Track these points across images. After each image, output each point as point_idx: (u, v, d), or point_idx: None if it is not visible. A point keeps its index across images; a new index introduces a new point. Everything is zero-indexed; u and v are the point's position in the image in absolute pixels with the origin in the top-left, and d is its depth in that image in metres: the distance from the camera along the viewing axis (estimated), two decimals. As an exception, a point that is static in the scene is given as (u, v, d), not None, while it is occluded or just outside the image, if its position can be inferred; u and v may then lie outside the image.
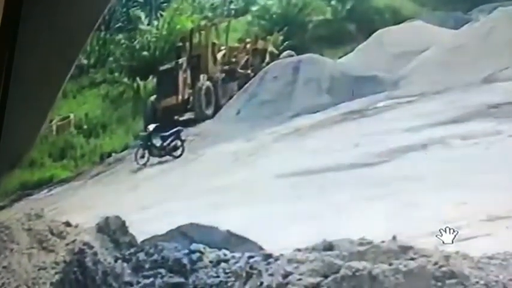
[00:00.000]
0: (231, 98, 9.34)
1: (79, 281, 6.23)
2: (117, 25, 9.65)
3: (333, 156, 7.27)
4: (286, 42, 9.51)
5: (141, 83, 9.54)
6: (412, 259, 5.43)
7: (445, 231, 5.61)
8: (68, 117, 8.98)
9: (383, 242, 5.65)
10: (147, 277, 6.12)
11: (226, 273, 5.99)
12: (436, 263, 5.36)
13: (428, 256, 5.44)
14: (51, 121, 8.54)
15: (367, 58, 8.83)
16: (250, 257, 5.96)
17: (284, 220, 6.49)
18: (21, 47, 7.53)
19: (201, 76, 9.49)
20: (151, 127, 8.85)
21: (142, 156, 8.64)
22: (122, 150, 9.07)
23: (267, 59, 9.56)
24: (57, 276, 6.20)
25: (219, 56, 9.65)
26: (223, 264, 6.04)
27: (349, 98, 8.28)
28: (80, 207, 7.63)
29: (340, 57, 9.26)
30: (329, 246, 5.73)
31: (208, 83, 9.43)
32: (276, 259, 5.80)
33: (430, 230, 5.73)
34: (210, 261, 6.08)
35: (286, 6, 9.55)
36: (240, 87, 9.44)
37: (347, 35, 9.19)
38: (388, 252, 5.53)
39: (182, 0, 9.94)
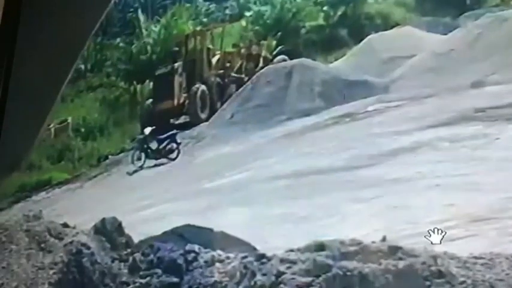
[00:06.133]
0: (225, 102, 9.47)
1: (77, 281, 6.30)
2: (114, 30, 9.78)
3: (325, 158, 7.39)
4: (280, 47, 9.65)
5: (138, 87, 9.67)
6: (401, 259, 5.52)
7: (433, 232, 5.69)
8: (66, 120, 9.10)
9: (373, 242, 5.74)
10: (143, 277, 6.19)
11: (220, 273, 6.06)
12: (424, 263, 5.45)
13: (417, 256, 5.52)
14: (49, 124, 8.64)
15: (358, 63, 8.97)
16: (244, 258, 6.03)
17: (277, 221, 6.59)
18: (20, 52, 7.62)
19: (196, 80, 9.61)
20: (147, 130, 8.95)
21: (139, 159, 8.75)
22: (119, 153, 9.19)
23: (261, 63, 9.70)
24: (55, 276, 6.26)
25: (214, 60, 9.77)
26: (217, 265, 6.11)
27: (341, 102, 8.42)
28: (77, 209, 7.73)
29: (332, 62, 9.41)
30: (321, 247, 5.81)
31: (203, 87, 9.55)
32: (269, 259, 5.87)
33: (419, 230, 5.82)
34: (205, 262, 6.14)
35: (280, 12, 9.68)
36: (234, 92, 9.57)
37: (339, 40, 9.34)
38: (377, 253, 5.61)
39: (179, 6, 10.06)
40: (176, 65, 9.56)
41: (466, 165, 6.61)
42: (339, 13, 9.29)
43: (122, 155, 9.11)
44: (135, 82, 9.70)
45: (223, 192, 7.31)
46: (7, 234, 6.78)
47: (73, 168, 8.87)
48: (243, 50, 9.92)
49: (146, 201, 7.58)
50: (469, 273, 5.42)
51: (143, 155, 8.76)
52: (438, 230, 5.75)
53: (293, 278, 5.60)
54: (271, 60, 9.67)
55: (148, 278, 6.15)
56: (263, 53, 9.79)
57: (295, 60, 9.19)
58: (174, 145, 8.82)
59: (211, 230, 6.39)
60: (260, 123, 8.62)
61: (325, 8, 9.52)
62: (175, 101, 9.51)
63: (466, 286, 5.33)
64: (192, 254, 6.21)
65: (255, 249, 6.12)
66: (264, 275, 5.68)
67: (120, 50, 9.88)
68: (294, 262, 5.71)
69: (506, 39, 8.13)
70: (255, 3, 9.97)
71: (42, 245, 6.62)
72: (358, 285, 5.43)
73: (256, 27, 9.93)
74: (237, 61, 9.83)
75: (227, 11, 10.08)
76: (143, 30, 9.98)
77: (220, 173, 7.78)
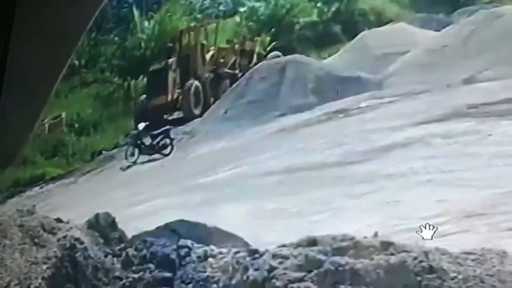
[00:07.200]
0: (219, 97, 9.52)
1: (70, 276, 6.29)
2: (109, 26, 9.80)
3: (318, 154, 7.41)
4: (273, 43, 9.70)
5: (132, 83, 9.70)
6: (393, 254, 5.51)
7: (425, 228, 5.70)
8: (60, 116, 9.12)
9: (365, 237, 5.73)
10: (136, 272, 6.18)
11: (213, 268, 6.06)
12: (415, 258, 5.43)
13: (409, 251, 5.51)
14: (43, 120, 8.65)
15: (351, 59, 9.01)
16: (236, 253, 6.02)
17: (270, 216, 6.60)
18: (15, 48, 7.60)
19: (190, 76, 9.65)
20: (141, 126, 8.98)
21: (132, 154, 8.77)
22: (113, 148, 9.22)
23: (255, 59, 9.75)
24: (48, 271, 6.24)
25: (208, 56, 9.81)
26: (210, 260, 6.10)
27: (334, 98, 8.47)
28: (71, 204, 7.73)
29: (325, 58, 9.47)
30: (313, 242, 5.81)
31: (197, 82, 9.59)
32: (262, 254, 5.86)
33: (411, 226, 5.83)
34: (198, 257, 6.13)
35: (274, 8, 9.74)
36: (227, 87, 9.62)
37: (332, 36, 9.40)
38: (369, 248, 5.61)
39: (173, 1, 10.10)
40: (170, 60, 9.60)
41: (458, 161, 6.62)
42: (333, 9, 9.33)
43: (115, 150, 9.13)
44: (129, 78, 9.72)
45: (217, 188, 7.32)
46: (1, 229, 6.76)
47: (67, 163, 8.90)
48: (236, 46, 9.96)
49: (139, 196, 7.59)
50: (460, 269, 5.40)
51: (137, 150, 8.78)
52: (430, 225, 5.75)
53: (285, 273, 5.59)
54: (265, 56, 9.72)
55: (141, 273, 6.14)
56: (257, 49, 9.84)
57: (288, 56, 9.24)
58: (168, 140, 8.84)
59: (204, 225, 6.39)
60: (254, 119, 8.65)
61: (319, 4, 9.56)
62: (169, 97, 9.54)
63: (457, 281, 5.32)
64: (185, 249, 6.20)
65: (247, 244, 6.12)
66: (256, 270, 5.67)
67: (114, 46, 9.90)
68: (286, 257, 5.69)
69: (499, 35, 8.17)
70: (249, -1, 10.01)
71: (36, 240, 6.60)
72: (349, 280, 5.41)
73: (250, 23, 9.96)
74: (231, 57, 9.87)
75: (221, 7, 10.12)
76: (137, 26, 10.00)
77: (214, 168, 7.80)
